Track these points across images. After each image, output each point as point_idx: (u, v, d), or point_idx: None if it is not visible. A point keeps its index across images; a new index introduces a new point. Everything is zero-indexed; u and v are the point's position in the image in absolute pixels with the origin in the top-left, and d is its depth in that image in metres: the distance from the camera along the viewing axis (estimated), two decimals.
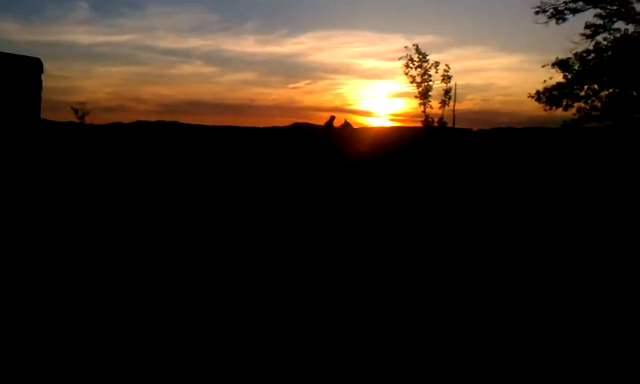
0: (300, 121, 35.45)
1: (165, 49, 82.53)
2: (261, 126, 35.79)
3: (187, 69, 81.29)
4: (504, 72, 68.87)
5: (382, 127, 40.28)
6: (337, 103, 79.48)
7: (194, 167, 21.38)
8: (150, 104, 73.35)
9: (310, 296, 5.94)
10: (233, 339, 4.55)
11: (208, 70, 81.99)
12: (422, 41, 78.19)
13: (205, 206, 12.43)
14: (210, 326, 4.87)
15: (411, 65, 31.22)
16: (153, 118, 37.85)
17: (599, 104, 30.13)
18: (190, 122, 35.94)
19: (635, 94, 30.00)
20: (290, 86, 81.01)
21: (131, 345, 4.43)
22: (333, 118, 22.91)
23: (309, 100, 76.96)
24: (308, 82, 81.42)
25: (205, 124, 36.15)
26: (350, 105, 78.31)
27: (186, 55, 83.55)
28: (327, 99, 77.42)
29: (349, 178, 19.22)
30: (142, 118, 37.92)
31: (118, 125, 36.62)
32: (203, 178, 17.76)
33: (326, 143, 25.68)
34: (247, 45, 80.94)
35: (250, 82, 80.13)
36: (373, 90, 71.89)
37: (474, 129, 34.87)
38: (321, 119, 61.36)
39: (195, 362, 4.07)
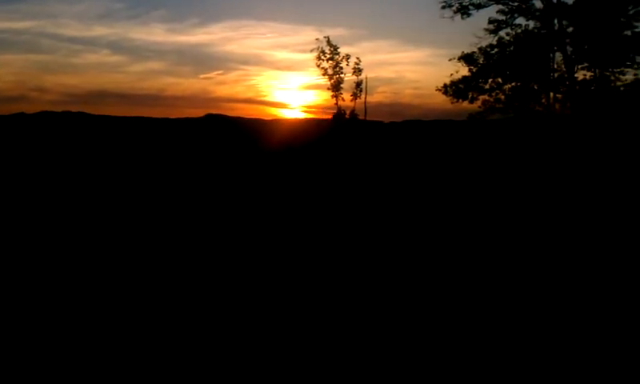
0: (213, 112, 34.84)
1: (69, 37, 79.02)
2: (172, 117, 34.94)
3: (93, 58, 78.12)
4: (414, 65, 70.24)
5: (296, 119, 40.25)
6: (250, 94, 78.80)
7: (103, 159, 20.63)
8: (55, 94, 70.03)
9: (224, 290, 5.87)
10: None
11: (115, 59, 79.20)
12: (334, 33, 78.59)
13: (116, 198, 11.97)
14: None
15: (323, 57, 31.30)
16: (58, 109, 36.24)
17: (503, 97, 31.31)
18: (98, 113, 34.63)
19: (536, 87, 31.32)
20: (202, 76, 79.49)
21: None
22: (342, 112, 22.51)
23: (221, 91, 75.90)
24: (220, 72, 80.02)
25: (113, 114, 34.93)
26: (263, 96, 77.63)
27: (92, 44, 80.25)
28: (240, 90, 76.65)
29: (263, 170, 19.08)
30: (47, 109, 36.25)
31: (21, 115, 34.90)
32: (113, 170, 17.14)
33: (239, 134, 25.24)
34: (156, 34, 78.55)
35: (160, 71, 78.02)
36: (286, 82, 71.53)
37: (386, 121, 35.36)
38: (234, 110, 60.54)
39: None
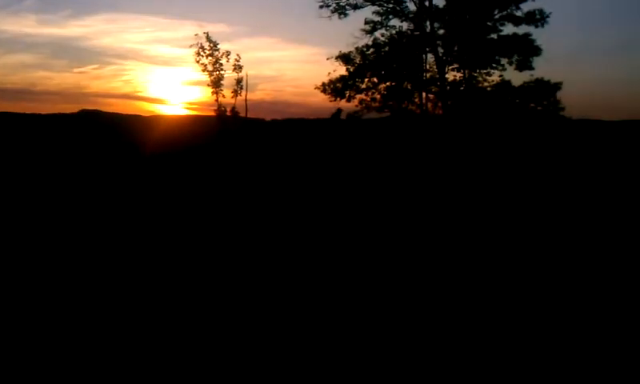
0: (88, 107, 34.25)
1: None
2: (44, 113, 34.11)
3: None
4: (294, 63, 70.18)
5: (176, 116, 40.03)
6: (127, 90, 76.41)
7: None
8: None
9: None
10: None
11: None
12: (214, 29, 76.73)
13: None
14: None
15: (202, 53, 31.21)
16: None
17: (378, 96, 31.92)
18: None
19: (409, 87, 32.11)
20: (76, 70, 76.21)
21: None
22: (339, 110, 21.98)
23: (96, 86, 72.92)
24: (95, 66, 76.90)
25: None
26: (140, 91, 75.54)
27: None
28: (116, 85, 74.24)
29: (141, 168, 18.66)
30: None
31: None
32: None
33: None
34: (26, 24, 74.13)
35: (31, 64, 74.01)
36: (165, 78, 69.83)
37: (267, 118, 35.56)
38: (110, 106, 59.11)
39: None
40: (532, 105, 30.62)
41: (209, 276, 5.76)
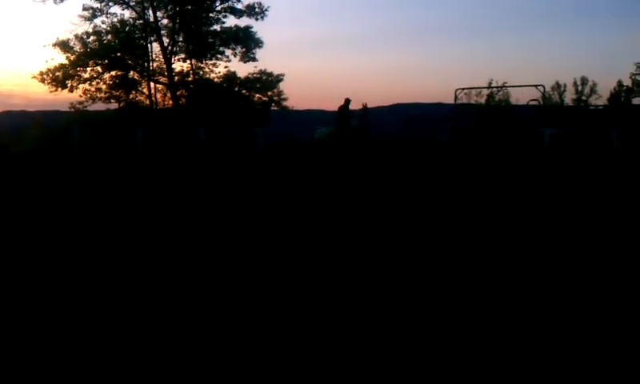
0: None
1: None
2: None
3: None
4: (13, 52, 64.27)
5: None
6: None
7: None
8: None
9: None
10: None
11: None
12: None
13: None
14: None
15: None
16: None
17: (104, 86, 30.57)
18: None
19: (137, 77, 31.27)
20: None
21: None
22: (349, 100, 18.44)
23: None
24: None
25: None
26: None
27: None
28: None
29: None
30: None
31: None
32: None
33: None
34: None
35: None
36: None
37: None
38: None
39: None
40: (258, 96, 31.50)
41: None
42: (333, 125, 16.60)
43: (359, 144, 14.94)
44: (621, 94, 39.31)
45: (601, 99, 38.79)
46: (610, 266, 4.08)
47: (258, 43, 30.75)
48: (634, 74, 31.11)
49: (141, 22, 30.50)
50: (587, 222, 6.14)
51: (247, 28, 30.50)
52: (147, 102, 31.12)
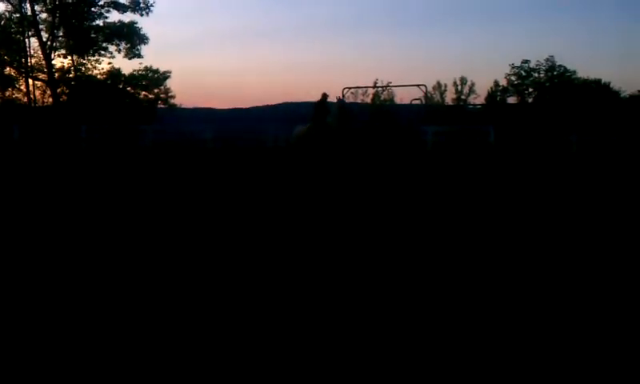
0: None
1: None
2: None
3: None
4: None
5: None
6: None
7: None
8: None
9: None
10: None
11: None
12: None
13: None
14: None
15: None
16: None
17: None
18: None
19: (13, 73, 29.98)
20: None
21: None
22: (326, 95, 15.69)
23: None
24: None
25: None
26: None
27: None
28: None
29: None
30: None
31: None
32: None
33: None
34: None
35: None
36: None
37: None
38: None
39: None
40: (144, 93, 31.20)
41: None
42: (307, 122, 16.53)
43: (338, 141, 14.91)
44: (497, 94, 42.39)
45: (479, 99, 41.54)
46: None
47: (143, 39, 30.46)
48: (509, 75, 33.91)
49: (17, 15, 29.23)
50: (463, 213, 6.63)
51: (132, 23, 30.14)
52: (25, 99, 29.90)
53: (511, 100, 34.70)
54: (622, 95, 39.94)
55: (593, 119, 27.12)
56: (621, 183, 10.64)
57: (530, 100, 32.78)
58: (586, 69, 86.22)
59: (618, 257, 4.46)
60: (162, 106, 31.09)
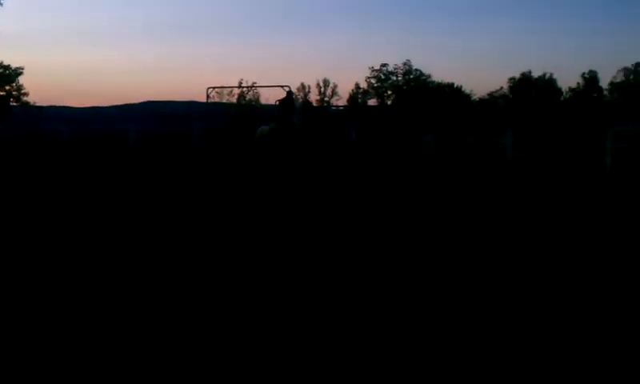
0: None
1: None
2: None
3: None
4: None
5: None
6: None
7: None
8: None
9: None
10: None
11: None
12: None
13: None
14: None
15: None
16: None
17: None
18: None
19: None
20: None
21: None
22: (291, 93, 11.57)
23: None
24: None
25: None
26: None
27: None
28: None
29: None
30: None
31: None
32: None
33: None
34: None
35: None
36: None
37: None
38: None
39: None
40: None
41: None
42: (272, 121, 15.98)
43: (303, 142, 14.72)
44: (358, 96, 44.19)
45: (341, 100, 43.02)
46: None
47: None
48: (369, 78, 35.49)
49: None
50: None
51: None
52: None
53: (372, 102, 36.59)
54: (472, 98, 43.63)
55: (446, 121, 29.41)
56: (468, 178, 11.97)
57: (389, 102, 34.80)
58: (440, 73, 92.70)
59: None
60: (14, 103, 29.18)
